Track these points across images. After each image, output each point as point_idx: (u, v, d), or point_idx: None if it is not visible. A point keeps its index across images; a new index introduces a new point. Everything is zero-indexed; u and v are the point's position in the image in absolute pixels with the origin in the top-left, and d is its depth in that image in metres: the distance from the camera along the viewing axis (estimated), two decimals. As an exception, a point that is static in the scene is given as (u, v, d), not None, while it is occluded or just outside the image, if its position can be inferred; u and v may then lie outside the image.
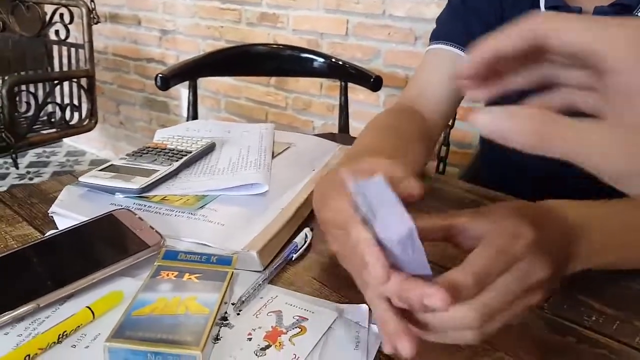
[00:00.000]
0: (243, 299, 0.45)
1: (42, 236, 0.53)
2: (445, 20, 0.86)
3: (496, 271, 0.35)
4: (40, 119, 2.27)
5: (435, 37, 0.84)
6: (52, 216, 0.57)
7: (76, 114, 2.33)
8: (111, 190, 0.60)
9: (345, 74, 1.57)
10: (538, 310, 0.47)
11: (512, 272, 0.36)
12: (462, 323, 0.35)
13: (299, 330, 0.42)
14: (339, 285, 0.48)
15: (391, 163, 0.42)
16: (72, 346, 0.40)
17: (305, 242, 0.56)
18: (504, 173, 0.89)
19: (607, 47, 0.26)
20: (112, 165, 0.65)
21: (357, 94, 1.94)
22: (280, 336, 0.41)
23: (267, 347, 0.40)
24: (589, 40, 0.27)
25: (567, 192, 0.55)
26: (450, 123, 1.45)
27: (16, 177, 2.85)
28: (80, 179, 0.61)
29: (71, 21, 2.25)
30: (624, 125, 0.26)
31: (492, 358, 0.41)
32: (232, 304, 0.45)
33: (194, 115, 1.54)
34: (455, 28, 0.83)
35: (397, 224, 0.32)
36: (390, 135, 0.70)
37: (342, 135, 1.56)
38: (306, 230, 0.57)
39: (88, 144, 3.30)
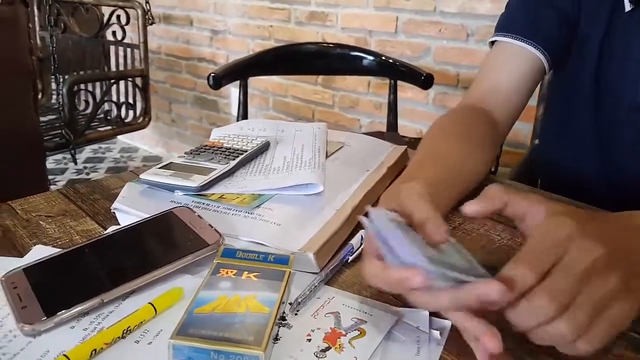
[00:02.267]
0: (300, 299, 0.45)
1: (105, 232, 0.55)
2: (515, 7, 0.81)
3: (546, 256, 0.37)
4: (98, 117, 2.35)
5: (502, 27, 0.80)
6: (114, 212, 0.59)
7: (131, 112, 2.41)
8: (171, 188, 0.62)
9: (395, 72, 1.56)
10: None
11: (569, 253, 0.37)
12: (539, 311, 0.35)
13: (359, 332, 0.42)
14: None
15: (422, 203, 0.44)
16: (135, 342, 0.40)
17: (361, 244, 0.55)
18: (560, 175, 0.86)
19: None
20: (171, 163, 0.66)
21: (406, 92, 1.92)
22: (339, 338, 0.41)
23: (327, 348, 0.40)
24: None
25: (624, 201, 0.53)
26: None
27: (74, 172, 2.96)
28: (141, 176, 0.62)
29: (127, 22, 2.32)
30: None
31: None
32: (289, 304, 0.45)
33: (244, 114, 1.56)
34: (524, 18, 0.78)
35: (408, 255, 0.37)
36: (458, 140, 0.68)
37: (391, 133, 1.54)
38: (362, 232, 0.56)
39: (141, 141, 3.40)
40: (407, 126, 1.95)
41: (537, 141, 1.34)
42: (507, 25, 0.80)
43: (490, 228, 0.61)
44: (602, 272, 0.37)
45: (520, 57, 0.77)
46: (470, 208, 0.43)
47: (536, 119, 1.36)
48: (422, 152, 0.66)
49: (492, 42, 0.82)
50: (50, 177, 2.62)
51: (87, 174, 2.96)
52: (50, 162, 2.99)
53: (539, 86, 1.37)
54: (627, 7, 0.70)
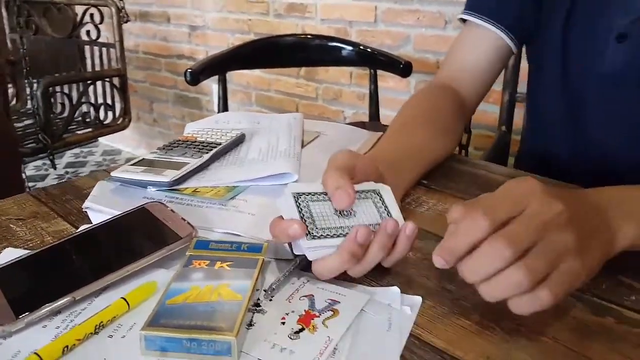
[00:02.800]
0: (274, 286, 0.45)
1: (76, 231, 0.54)
2: None
3: (505, 206, 0.39)
4: (75, 120, 2.33)
5: (471, 5, 0.82)
6: (86, 211, 0.58)
7: (110, 113, 2.38)
8: (143, 184, 0.61)
9: (375, 61, 1.55)
10: (575, 291, 0.45)
11: (530, 206, 0.39)
12: (496, 255, 0.36)
13: (332, 313, 0.42)
14: (372, 270, 0.47)
15: (334, 173, 0.48)
16: (108, 336, 0.40)
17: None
18: (547, 168, 0.87)
19: None
20: (143, 159, 0.65)
21: (387, 81, 1.92)
22: (313, 319, 0.41)
23: (301, 330, 0.40)
24: None
25: (599, 178, 0.54)
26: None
27: (55, 178, 2.93)
28: (112, 173, 0.62)
29: (101, 21, 2.29)
30: None
31: (529, 339, 0.40)
32: (264, 290, 0.45)
33: (224, 109, 1.55)
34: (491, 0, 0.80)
35: None
36: (423, 124, 0.72)
37: (373, 123, 1.54)
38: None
39: (123, 143, 3.36)
40: (390, 115, 1.92)
41: (503, 127, 1.35)
42: (475, 3, 0.81)
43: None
44: (561, 227, 0.38)
45: (487, 38, 0.80)
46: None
47: (502, 104, 1.37)
48: (388, 133, 0.70)
49: (463, 20, 0.84)
50: (30, 184, 2.59)
51: (70, 179, 2.93)
52: (30, 169, 2.96)
53: (503, 71, 1.39)
54: None
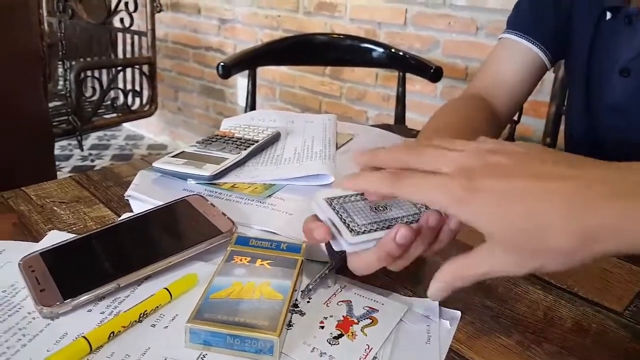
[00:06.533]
0: (310, 286, 0.45)
1: (118, 219, 0.56)
2: (522, 7, 0.86)
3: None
4: (104, 104, 2.36)
5: (509, 23, 0.85)
6: (127, 199, 0.59)
7: (137, 100, 2.41)
8: (183, 177, 0.62)
9: (405, 64, 1.55)
10: (616, 316, 0.45)
11: (487, 141, 0.40)
12: (438, 154, 0.38)
13: (370, 321, 0.42)
14: (407, 279, 0.48)
15: None
16: (151, 325, 0.41)
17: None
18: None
19: None
20: (183, 152, 0.66)
21: (414, 84, 1.92)
22: (352, 326, 0.42)
23: (340, 336, 0.40)
24: None
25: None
26: (516, 118, 1.42)
27: (79, 159, 2.97)
28: (153, 164, 0.63)
29: (135, 9, 2.31)
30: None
31: (568, 361, 0.40)
32: (301, 291, 0.45)
33: (252, 104, 1.56)
34: (528, 18, 0.83)
35: None
36: (458, 129, 0.72)
37: (399, 126, 1.54)
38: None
39: (147, 129, 3.40)
40: (414, 119, 1.94)
41: (548, 140, 1.34)
42: (512, 22, 0.85)
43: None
44: (508, 153, 0.37)
45: (522, 53, 0.82)
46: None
47: (548, 116, 1.36)
48: (420, 139, 0.71)
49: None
50: (56, 163, 2.63)
51: (92, 160, 2.97)
52: (56, 149, 3.00)
53: (552, 83, 1.38)
54: (608, 16, 0.76)
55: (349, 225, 0.43)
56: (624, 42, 0.74)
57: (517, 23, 0.84)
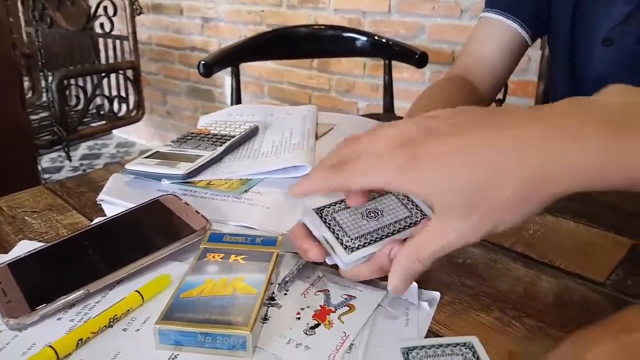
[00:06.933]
0: (287, 279, 0.44)
1: (90, 223, 0.54)
2: None
3: None
4: (90, 112, 2.34)
5: (488, 2, 0.85)
6: (100, 204, 0.58)
7: (124, 106, 2.39)
8: (157, 177, 0.61)
9: (389, 51, 1.54)
10: (598, 287, 0.44)
11: None
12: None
13: (348, 308, 0.41)
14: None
15: None
16: (122, 330, 0.40)
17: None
18: None
19: None
20: (157, 152, 0.65)
21: (402, 72, 1.91)
22: (329, 315, 0.41)
23: (317, 325, 0.39)
24: None
25: None
26: (502, 96, 1.41)
27: (70, 170, 2.95)
28: (126, 166, 0.61)
29: (115, 13, 2.29)
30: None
31: (552, 336, 0.39)
32: (278, 284, 0.44)
33: (237, 101, 1.55)
34: None
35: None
36: (439, 100, 0.74)
37: (388, 115, 1.53)
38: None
39: (137, 135, 3.38)
40: (404, 107, 1.93)
41: None
42: (491, 0, 0.85)
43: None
44: (446, 116, 0.37)
45: (503, 31, 0.82)
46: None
47: (537, 94, 1.35)
48: (411, 111, 0.72)
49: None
50: (46, 175, 2.61)
51: (84, 170, 2.96)
52: (46, 161, 2.99)
53: (538, 62, 1.37)
54: None
55: (342, 241, 0.42)
56: (603, 11, 0.73)
57: (497, 1, 0.83)
